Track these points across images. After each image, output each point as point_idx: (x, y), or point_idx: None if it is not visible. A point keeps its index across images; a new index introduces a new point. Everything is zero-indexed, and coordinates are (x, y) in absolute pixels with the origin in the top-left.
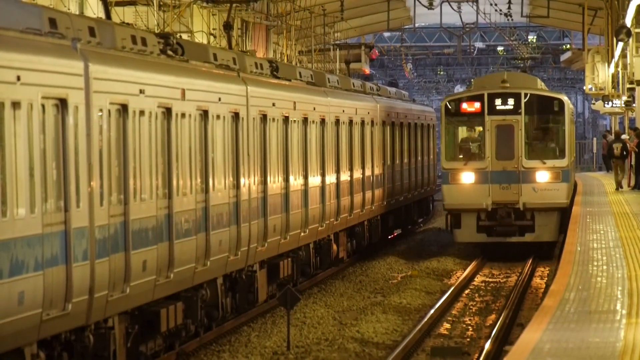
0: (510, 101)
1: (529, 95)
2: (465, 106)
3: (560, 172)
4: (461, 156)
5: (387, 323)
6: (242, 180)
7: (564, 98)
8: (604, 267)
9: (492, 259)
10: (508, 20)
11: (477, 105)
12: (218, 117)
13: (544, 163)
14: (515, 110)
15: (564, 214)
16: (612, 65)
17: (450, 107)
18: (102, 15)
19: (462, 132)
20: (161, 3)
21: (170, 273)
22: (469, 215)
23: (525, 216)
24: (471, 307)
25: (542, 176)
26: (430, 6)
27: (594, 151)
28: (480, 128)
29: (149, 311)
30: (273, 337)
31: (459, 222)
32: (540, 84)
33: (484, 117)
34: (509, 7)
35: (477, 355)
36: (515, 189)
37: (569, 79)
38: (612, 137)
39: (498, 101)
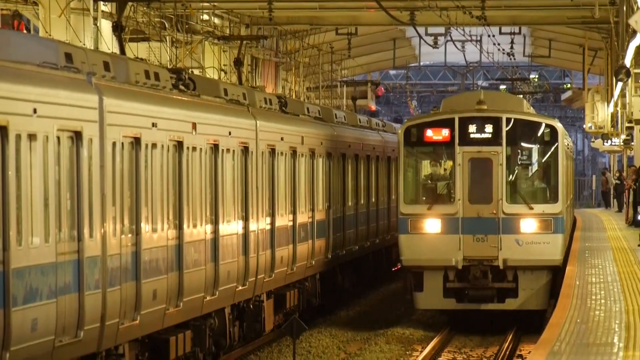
0: (488, 128)
1: (512, 120)
2: (430, 134)
3: (552, 220)
4: (424, 198)
5: (390, 353)
6: (250, 213)
7: (557, 125)
8: (602, 300)
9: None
10: (510, 59)
11: (446, 132)
12: (228, 150)
13: (531, 208)
14: (494, 140)
15: (556, 274)
16: (612, 104)
17: (410, 134)
18: (116, 50)
19: (426, 167)
20: (174, 39)
21: (180, 302)
22: (434, 274)
23: (506, 277)
24: (472, 338)
25: (529, 225)
26: (435, 45)
27: (593, 188)
28: (450, 162)
29: (158, 339)
30: None
31: (421, 283)
32: (526, 106)
33: (454, 148)
34: (512, 47)
35: None
36: (493, 242)
37: (570, 117)
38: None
39: (472, 127)
